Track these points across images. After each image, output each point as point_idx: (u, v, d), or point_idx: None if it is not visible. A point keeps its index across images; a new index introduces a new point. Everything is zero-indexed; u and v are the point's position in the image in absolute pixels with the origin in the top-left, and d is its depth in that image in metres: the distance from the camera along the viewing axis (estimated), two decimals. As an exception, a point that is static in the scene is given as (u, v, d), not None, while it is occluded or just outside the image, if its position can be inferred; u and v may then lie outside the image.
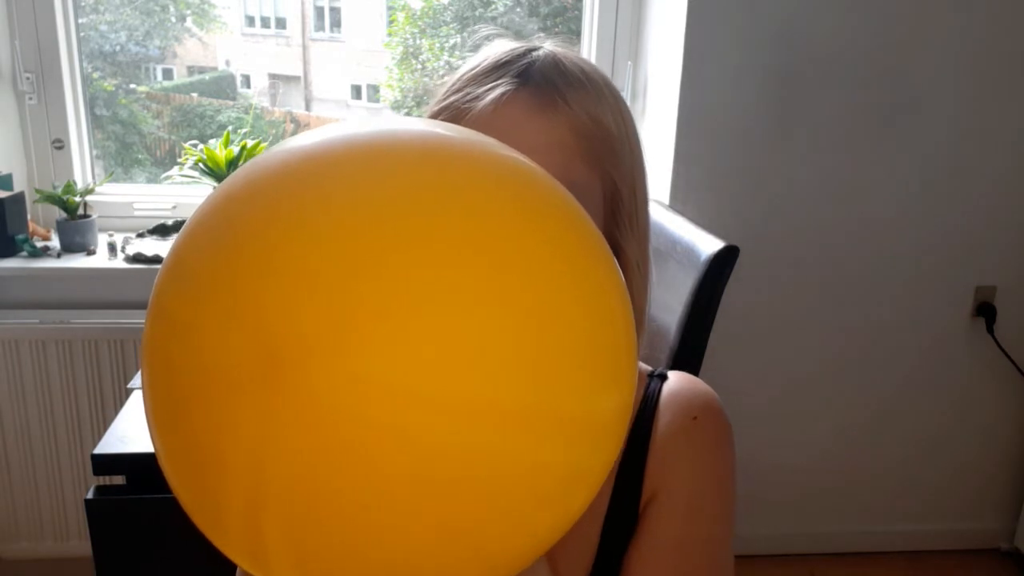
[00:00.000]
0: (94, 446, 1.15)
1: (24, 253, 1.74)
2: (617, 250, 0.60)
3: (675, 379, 0.65)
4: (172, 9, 2.13)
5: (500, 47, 0.60)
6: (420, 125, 0.45)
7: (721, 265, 1.09)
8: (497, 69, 0.58)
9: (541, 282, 0.39)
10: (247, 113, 2.23)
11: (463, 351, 0.37)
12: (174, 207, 1.91)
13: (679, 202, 1.74)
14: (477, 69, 0.59)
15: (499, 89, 0.56)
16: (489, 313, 0.37)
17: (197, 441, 0.39)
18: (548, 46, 0.60)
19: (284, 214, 0.38)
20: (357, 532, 0.38)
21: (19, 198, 1.77)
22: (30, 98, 1.82)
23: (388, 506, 0.37)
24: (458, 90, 0.59)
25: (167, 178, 1.90)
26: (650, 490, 0.60)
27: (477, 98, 0.57)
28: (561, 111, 0.56)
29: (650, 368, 0.67)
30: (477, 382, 0.37)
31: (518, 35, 0.63)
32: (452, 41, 2.18)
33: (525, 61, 0.58)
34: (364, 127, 0.43)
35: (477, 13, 2.16)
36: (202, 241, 0.41)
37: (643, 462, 0.61)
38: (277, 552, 0.40)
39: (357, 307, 0.36)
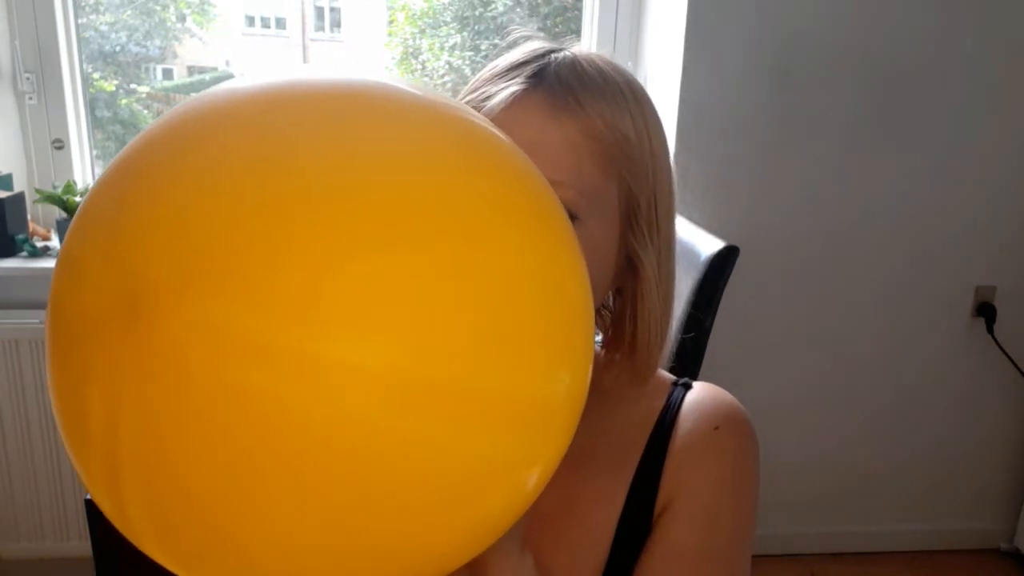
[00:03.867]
0: (94, 446, 1.15)
1: (24, 253, 1.74)
2: (634, 259, 0.58)
3: (699, 389, 0.64)
4: (172, 9, 2.13)
5: (526, 48, 0.58)
6: (361, 75, 0.41)
7: (721, 265, 1.09)
8: (513, 69, 0.56)
9: (486, 245, 0.35)
10: (247, 113, 2.22)
11: (358, 310, 0.32)
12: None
13: (679, 202, 1.73)
14: (496, 69, 0.58)
15: (511, 88, 0.55)
16: (400, 267, 0.32)
17: (69, 384, 0.37)
18: (575, 48, 0.59)
19: (173, 154, 0.36)
20: (217, 508, 0.34)
21: (19, 198, 1.77)
22: (30, 98, 1.82)
23: (256, 484, 0.32)
24: (475, 89, 0.57)
25: (167, 178, 1.89)
26: (665, 498, 0.59)
27: (489, 97, 0.55)
28: (573, 114, 0.54)
29: (674, 377, 0.66)
30: (374, 348, 0.32)
31: (553, 37, 0.61)
32: (452, 41, 2.18)
33: (542, 62, 0.56)
34: (300, 73, 0.40)
35: (477, 13, 2.16)
36: (100, 186, 0.39)
37: (659, 471, 0.60)
38: (136, 514, 0.37)
39: (216, 247, 0.32)
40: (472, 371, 0.34)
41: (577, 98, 0.54)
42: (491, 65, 0.59)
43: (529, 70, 0.56)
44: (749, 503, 0.60)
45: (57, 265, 0.39)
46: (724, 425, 0.61)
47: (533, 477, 0.38)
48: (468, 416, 0.34)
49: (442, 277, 0.33)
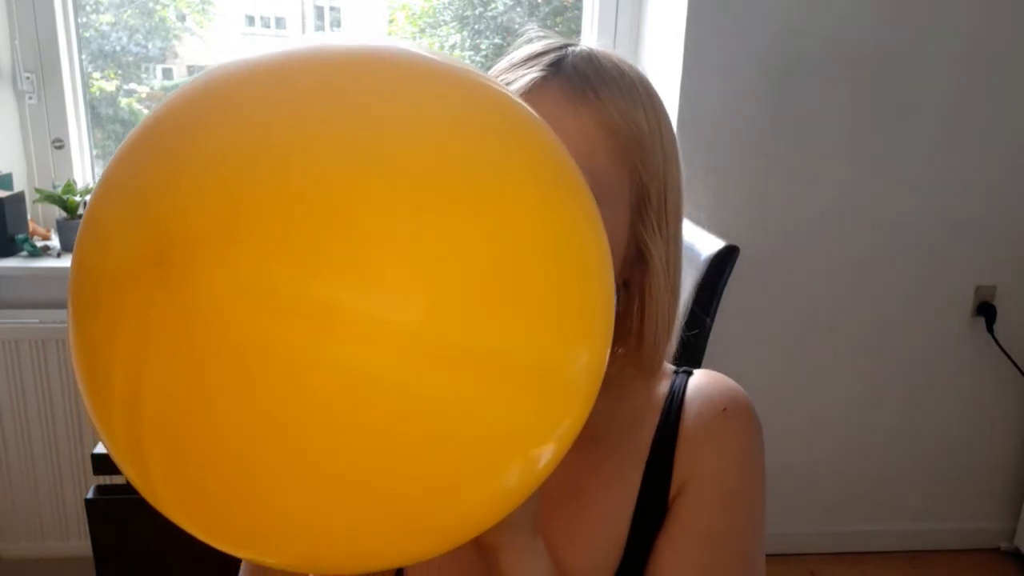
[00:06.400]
0: (94, 446, 1.15)
1: (24, 253, 1.74)
2: (643, 250, 0.59)
3: (701, 375, 0.65)
4: (172, 8, 2.13)
5: (543, 42, 0.60)
6: (392, 43, 0.41)
7: (721, 265, 1.09)
8: (531, 59, 0.57)
9: (520, 210, 0.35)
10: (247, 113, 2.22)
11: (392, 266, 0.31)
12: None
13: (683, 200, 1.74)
14: (514, 59, 0.59)
15: (529, 76, 0.56)
16: (431, 225, 0.32)
17: (92, 343, 0.36)
18: (590, 44, 0.60)
19: (202, 112, 0.36)
20: (243, 469, 0.33)
21: (19, 198, 1.77)
22: (30, 98, 1.82)
23: (283, 444, 0.32)
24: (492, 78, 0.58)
25: (167, 178, 1.89)
26: (679, 482, 0.60)
27: (508, 84, 0.56)
28: (590, 103, 0.55)
29: (673, 366, 0.67)
30: (407, 305, 0.31)
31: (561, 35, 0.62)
32: (452, 41, 2.18)
33: (560, 53, 0.57)
34: (329, 39, 0.41)
35: (477, 13, 2.16)
36: (125, 149, 0.39)
37: (672, 455, 0.61)
38: (159, 477, 0.35)
39: (252, 199, 0.31)
40: (499, 334, 0.33)
41: (594, 88, 0.55)
42: (508, 56, 0.60)
43: (547, 60, 0.57)
44: (759, 481, 0.61)
45: (82, 225, 0.38)
46: (731, 408, 0.62)
47: (548, 452, 0.38)
48: (491, 379, 0.33)
49: (476, 237, 0.33)
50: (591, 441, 0.61)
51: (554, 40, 0.60)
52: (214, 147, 0.34)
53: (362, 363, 0.31)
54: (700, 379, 0.65)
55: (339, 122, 0.33)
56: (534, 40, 0.60)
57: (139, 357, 0.33)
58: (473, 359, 0.33)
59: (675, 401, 0.63)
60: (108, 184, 0.38)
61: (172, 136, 0.36)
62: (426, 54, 0.40)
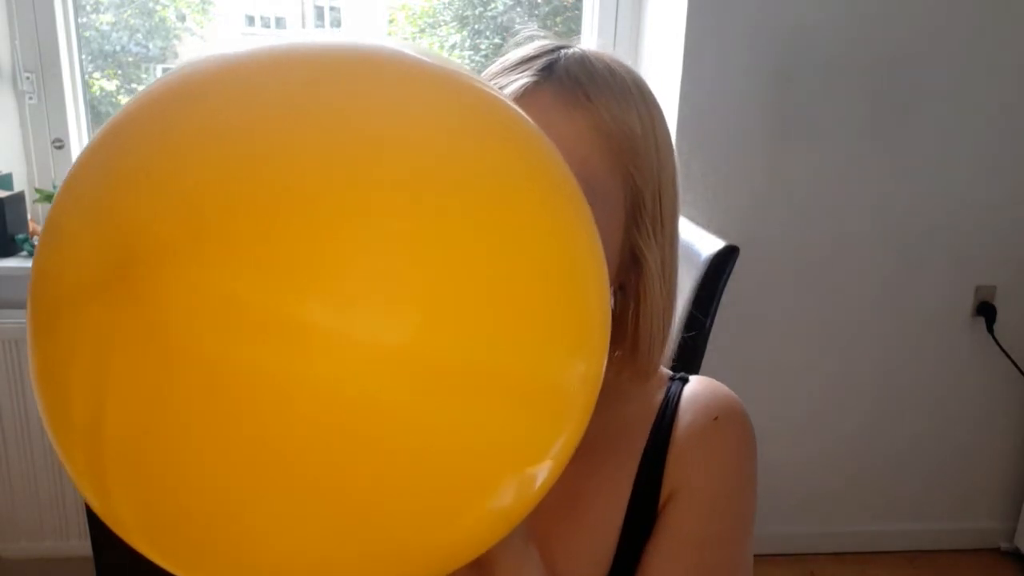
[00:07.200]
0: (94, 446, 1.15)
1: (24, 253, 1.74)
2: (637, 254, 0.59)
3: (696, 382, 0.65)
4: (172, 8, 2.13)
5: (536, 44, 0.59)
6: (373, 40, 0.38)
7: (721, 265, 1.09)
8: (523, 63, 0.57)
9: (513, 221, 0.33)
10: (247, 113, 2.21)
11: (375, 280, 0.29)
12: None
13: (680, 201, 1.73)
14: (506, 63, 0.58)
15: (520, 82, 0.55)
16: (418, 235, 0.30)
17: (51, 362, 0.34)
18: (583, 45, 0.59)
19: (168, 112, 0.33)
20: (215, 499, 0.31)
21: (19, 198, 1.77)
22: (30, 98, 1.82)
23: (259, 473, 0.29)
24: None
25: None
26: (669, 488, 0.60)
27: (500, 89, 0.55)
28: (582, 107, 0.54)
29: (670, 372, 0.67)
30: (392, 321, 0.29)
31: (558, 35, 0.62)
32: (452, 41, 2.18)
33: (552, 57, 0.57)
34: (311, 37, 0.38)
35: (477, 13, 2.16)
36: (88, 153, 0.36)
37: (663, 462, 0.61)
38: (124, 507, 0.33)
39: (223, 208, 0.29)
40: (491, 349, 0.31)
41: (586, 92, 0.55)
42: (501, 59, 0.59)
43: (539, 64, 0.56)
44: (750, 490, 0.61)
45: (42, 233, 0.36)
46: (723, 416, 0.62)
47: (544, 470, 0.36)
48: (483, 397, 0.31)
49: (466, 248, 0.31)
50: (585, 448, 0.61)
51: (547, 42, 0.59)
52: (182, 151, 0.31)
53: (344, 384, 0.29)
54: (695, 387, 0.64)
55: (319, 125, 0.31)
56: (533, 38, 0.60)
57: (100, 377, 0.31)
58: (463, 376, 0.31)
59: (669, 408, 0.63)
60: (70, 189, 0.35)
61: (138, 138, 0.33)
62: (415, 54, 0.37)
